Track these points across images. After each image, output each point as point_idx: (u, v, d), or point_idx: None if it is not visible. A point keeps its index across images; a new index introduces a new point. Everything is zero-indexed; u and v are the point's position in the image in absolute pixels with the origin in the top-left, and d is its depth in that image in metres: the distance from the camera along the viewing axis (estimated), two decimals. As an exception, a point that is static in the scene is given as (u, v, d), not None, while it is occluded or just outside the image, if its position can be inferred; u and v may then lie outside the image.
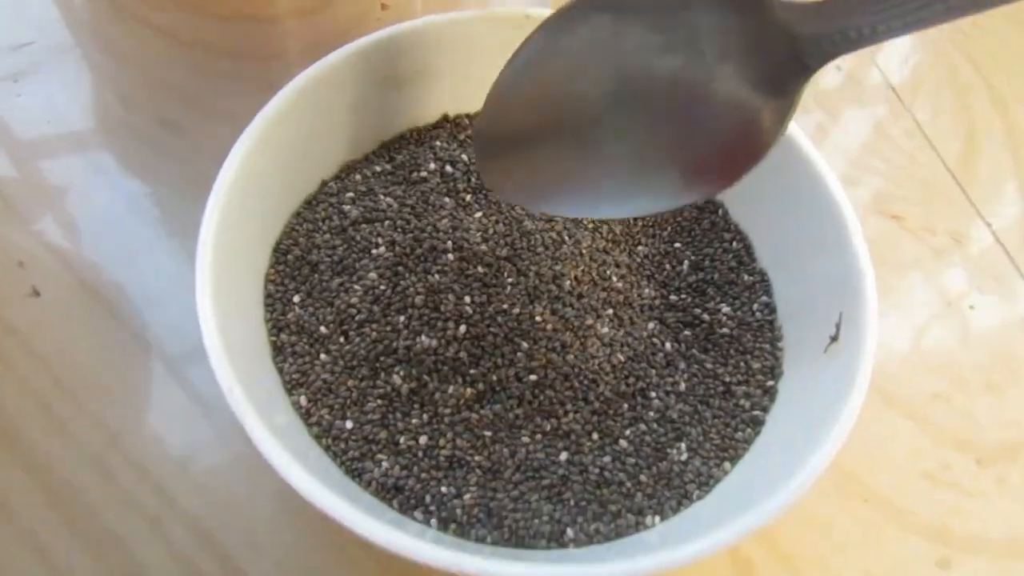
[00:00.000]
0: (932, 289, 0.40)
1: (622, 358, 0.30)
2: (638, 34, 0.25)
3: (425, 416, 0.28)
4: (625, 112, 0.26)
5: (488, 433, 0.28)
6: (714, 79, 0.25)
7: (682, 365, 0.30)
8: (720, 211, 0.35)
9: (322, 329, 0.29)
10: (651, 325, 0.31)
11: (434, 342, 0.28)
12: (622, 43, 0.25)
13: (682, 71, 0.25)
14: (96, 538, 0.29)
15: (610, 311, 0.30)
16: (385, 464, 0.27)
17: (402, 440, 0.27)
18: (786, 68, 0.23)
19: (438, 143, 0.34)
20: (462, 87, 0.35)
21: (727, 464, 0.28)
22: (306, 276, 0.30)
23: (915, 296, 0.40)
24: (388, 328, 0.29)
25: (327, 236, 0.31)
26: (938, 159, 0.45)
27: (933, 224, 0.42)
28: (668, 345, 0.31)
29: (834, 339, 0.28)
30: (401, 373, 0.28)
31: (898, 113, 0.47)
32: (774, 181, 0.32)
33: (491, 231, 0.31)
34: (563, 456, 0.28)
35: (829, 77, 0.48)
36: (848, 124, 0.47)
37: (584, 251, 0.31)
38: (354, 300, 0.29)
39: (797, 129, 0.31)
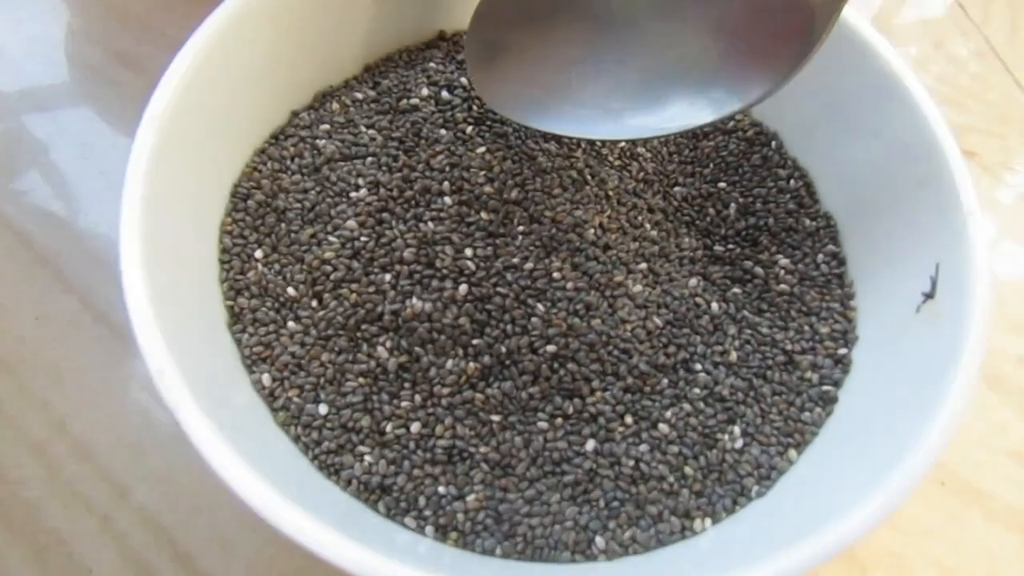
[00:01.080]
0: (1012, 237, 0.35)
1: (659, 322, 0.24)
2: None
3: (418, 398, 0.23)
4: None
5: (496, 418, 0.23)
6: None
7: (732, 330, 0.25)
8: (773, 143, 0.29)
9: (290, 291, 0.24)
10: (693, 281, 0.26)
11: (428, 305, 0.23)
12: None
13: None
14: (36, 538, 0.26)
15: (643, 265, 0.25)
16: (368, 458, 0.22)
17: (389, 428, 0.22)
18: None
19: (432, 65, 0.28)
20: (459, -2, 0.29)
21: (792, 452, 0.23)
22: (271, 226, 0.25)
23: (994, 245, 0.35)
24: (371, 289, 0.23)
25: (296, 177, 0.26)
26: (1015, 83, 0.39)
27: (1011, 160, 0.38)
28: (714, 306, 0.25)
29: (929, 296, 0.22)
30: (388, 344, 0.23)
31: (966, 31, 0.41)
32: (842, 101, 0.26)
33: (497, 169, 0.26)
34: (590, 445, 0.23)
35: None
36: (907, 44, 0.41)
37: (611, 192, 0.26)
38: (329, 255, 0.24)
39: (873, 32, 0.26)
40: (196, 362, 0.20)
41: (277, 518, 0.17)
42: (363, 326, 0.23)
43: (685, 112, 0.23)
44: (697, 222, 0.27)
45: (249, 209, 0.25)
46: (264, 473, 0.18)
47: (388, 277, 0.24)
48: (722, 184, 0.28)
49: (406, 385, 0.23)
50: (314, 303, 0.24)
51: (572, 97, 0.24)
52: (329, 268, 0.24)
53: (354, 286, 0.24)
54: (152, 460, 0.28)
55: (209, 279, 0.24)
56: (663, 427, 0.23)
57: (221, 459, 0.17)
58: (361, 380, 0.23)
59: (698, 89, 0.23)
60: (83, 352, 0.30)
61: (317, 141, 0.26)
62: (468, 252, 0.24)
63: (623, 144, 0.28)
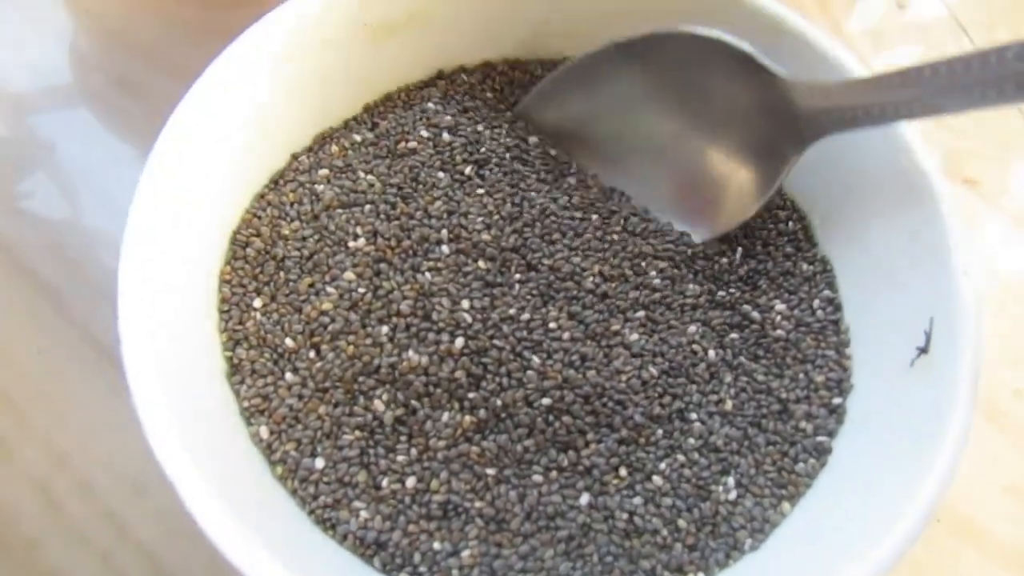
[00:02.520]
0: (1013, 266, 0.35)
1: (655, 372, 0.24)
2: (656, 87, 0.28)
3: (414, 451, 0.23)
4: (637, 148, 0.29)
5: (491, 472, 0.23)
6: (716, 139, 0.28)
7: (728, 378, 0.25)
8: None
9: (288, 342, 0.24)
10: (692, 328, 0.26)
11: (424, 359, 0.23)
12: (640, 91, 0.28)
13: (688, 126, 0.28)
14: (39, 574, 0.26)
15: (641, 313, 0.25)
16: (364, 514, 0.22)
17: (385, 483, 0.22)
18: (783, 138, 0.26)
19: (430, 105, 0.28)
20: (458, 36, 0.29)
21: (786, 504, 0.23)
22: (270, 274, 0.25)
23: (993, 275, 0.35)
24: (368, 341, 0.23)
25: (295, 224, 0.26)
26: (1016, 108, 0.39)
27: (1013, 187, 0.37)
28: (711, 353, 0.25)
29: (923, 351, 0.22)
30: (384, 397, 0.23)
31: (965, 50, 0.41)
32: (842, 145, 0.26)
33: (496, 215, 0.26)
34: (584, 499, 0.23)
35: (887, 13, 0.42)
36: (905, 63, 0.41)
37: (615, 236, 0.26)
38: (327, 306, 0.24)
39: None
40: (193, 414, 0.20)
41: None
42: (360, 379, 0.23)
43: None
44: (706, 269, 0.27)
45: (248, 257, 0.25)
46: (258, 528, 0.18)
47: (385, 329, 0.24)
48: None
49: (402, 439, 0.23)
50: (312, 354, 0.24)
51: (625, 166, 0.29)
52: (327, 319, 0.24)
53: (351, 338, 0.24)
54: (152, 498, 0.27)
55: (208, 328, 0.24)
56: (657, 479, 0.23)
57: (218, 528, 0.18)
58: (357, 434, 0.23)
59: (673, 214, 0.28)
60: (84, 386, 0.29)
61: (316, 186, 0.26)
62: (465, 304, 0.24)
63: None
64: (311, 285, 0.25)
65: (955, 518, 0.29)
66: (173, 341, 0.21)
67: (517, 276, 0.25)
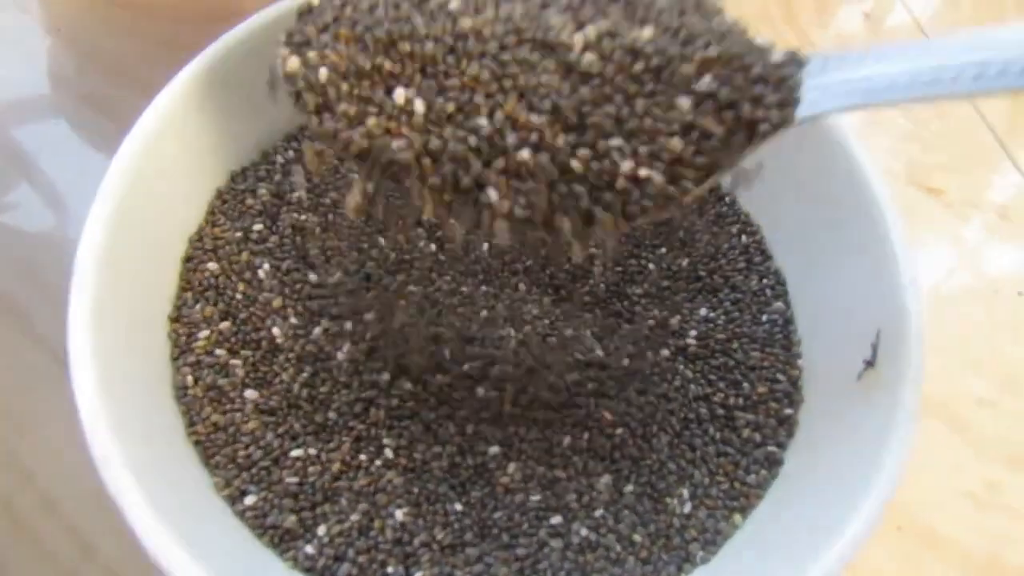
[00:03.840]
0: (976, 274, 0.35)
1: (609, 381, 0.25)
2: None
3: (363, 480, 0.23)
4: None
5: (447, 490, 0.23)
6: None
7: (681, 388, 0.25)
8: (727, 198, 0.29)
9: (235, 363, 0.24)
10: (665, 352, 0.26)
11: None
12: None
13: None
14: None
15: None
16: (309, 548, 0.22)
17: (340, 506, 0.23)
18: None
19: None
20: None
21: (737, 516, 0.23)
22: (217, 299, 0.25)
23: (956, 282, 0.35)
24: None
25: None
26: (982, 121, 0.39)
27: (977, 198, 0.37)
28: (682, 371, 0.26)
29: (870, 364, 0.23)
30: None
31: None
32: (794, 163, 0.27)
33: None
34: (555, 519, 0.23)
35: (850, 22, 0.43)
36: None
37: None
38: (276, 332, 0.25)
39: None
40: (144, 438, 0.20)
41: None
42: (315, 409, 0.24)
43: None
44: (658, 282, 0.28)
45: (197, 282, 0.25)
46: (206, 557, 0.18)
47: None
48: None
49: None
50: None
51: None
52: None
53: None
54: (117, 513, 0.27)
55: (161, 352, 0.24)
56: (615, 498, 0.23)
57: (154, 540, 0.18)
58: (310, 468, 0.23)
59: None
60: (50, 403, 0.29)
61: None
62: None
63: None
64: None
65: (918, 526, 0.29)
66: (120, 361, 0.21)
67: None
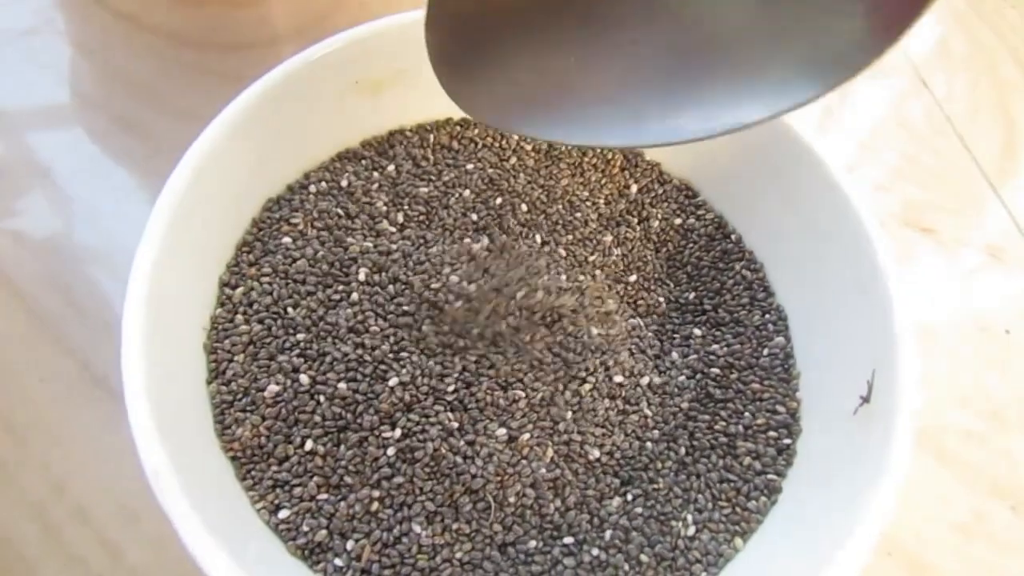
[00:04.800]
0: (964, 311, 0.36)
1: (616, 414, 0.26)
2: None
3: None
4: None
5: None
6: None
7: (691, 425, 0.27)
8: (733, 236, 0.31)
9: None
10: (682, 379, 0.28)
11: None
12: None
13: None
14: None
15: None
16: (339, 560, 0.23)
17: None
18: None
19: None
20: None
21: (739, 540, 0.25)
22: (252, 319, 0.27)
23: (946, 318, 0.36)
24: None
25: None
26: (973, 162, 0.41)
27: (967, 236, 0.39)
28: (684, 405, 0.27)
29: (865, 400, 0.24)
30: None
31: (929, 109, 0.43)
32: (797, 202, 0.28)
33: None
34: (558, 547, 0.24)
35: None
36: (872, 123, 0.43)
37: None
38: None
39: (821, 149, 0.27)
40: (189, 454, 0.22)
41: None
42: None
43: (723, 108, 0.18)
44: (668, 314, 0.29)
45: (233, 301, 0.27)
46: (247, 565, 0.20)
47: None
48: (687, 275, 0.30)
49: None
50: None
51: (573, 91, 0.19)
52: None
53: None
54: (146, 524, 0.28)
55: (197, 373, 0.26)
56: (624, 520, 0.25)
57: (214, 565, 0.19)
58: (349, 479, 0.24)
59: (742, 77, 0.18)
60: (83, 415, 0.30)
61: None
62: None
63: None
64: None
65: (906, 554, 0.30)
66: (175, 389, 0.23)
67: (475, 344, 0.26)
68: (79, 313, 0.32)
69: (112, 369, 0.31)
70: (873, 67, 0.17)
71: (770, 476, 0.26)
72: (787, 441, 0.26)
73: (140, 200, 0.36)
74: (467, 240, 0.28)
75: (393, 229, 0.28)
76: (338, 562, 0.23)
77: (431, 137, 0.31)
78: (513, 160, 0.31)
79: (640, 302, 0.29)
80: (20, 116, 0.38)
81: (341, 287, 0.26)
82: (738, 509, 0.25)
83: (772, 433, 0.26)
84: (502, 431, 0.25)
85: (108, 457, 0.30)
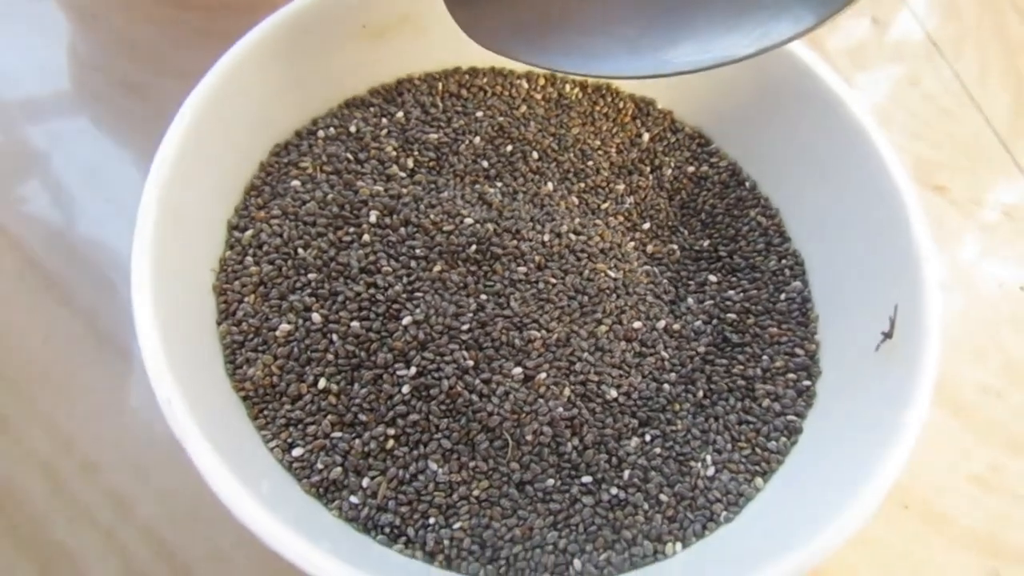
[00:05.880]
0: (981, 269, 0.36)
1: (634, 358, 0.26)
2: None
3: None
4: None
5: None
6: None
7: (708, 368, 0.27)
8: (747, 183, 0.30)
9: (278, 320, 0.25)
10: (698, 323, 0.27)
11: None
12: None
13: None
14: (42, 552, 0.27)
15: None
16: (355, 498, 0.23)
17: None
18: None
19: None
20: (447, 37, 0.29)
21: (759, 479, 0.24)
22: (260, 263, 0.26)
23: (961, 277, 0.36)
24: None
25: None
26: (984, 120, 0.41)
27: (980, 195, 0.38)
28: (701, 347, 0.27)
29: (888, 336, 0.24)
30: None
31: (939, 68, 0.43)
32: (813, 145, 0.28)
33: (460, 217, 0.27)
34: (577, 485, 0.24)
35: (859, 28, 0.44)
36: (883, 81, 0.43)
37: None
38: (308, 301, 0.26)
39: (841, 83, 0.27)
40: (202, 391, 0.21)
41: (281, 545, 0.18)
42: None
43: (715, 42, 0.19)
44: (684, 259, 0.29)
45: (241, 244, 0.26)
46: (267, 500, 0.19)
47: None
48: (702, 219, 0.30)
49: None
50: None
51: (575, 21, 0.20)
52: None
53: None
54: (154, 477, 0.28)
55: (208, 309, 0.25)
56: (643, 460, 0.24)
57: (230, 491, 0.19)
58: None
59: (733, 10, 0.19)
60: (89, 372, 0.30)
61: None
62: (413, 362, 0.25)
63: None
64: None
65: (923, 506, 0.30)
66: (181, 321, 0.22)
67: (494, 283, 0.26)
68: (84, 272, 0.32)
69: (118, 327, 0.31)
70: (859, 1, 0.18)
71: (790, 417, 0.25)
72: (807, 383, 0.26)
73: (142, 160, 0.35)
74: (479, 185, 0.28)
75: (403, 174, 0.28)
76: (354, 499, 0.23)
77: (439, 85, 0.30)
78: (523, 108, 0.30)
79: (654, 249, 0.29)
80: (23, 81, 0.37)
81: (352, 229, 0.26)
82: (758, 450, 0.25)
83: (791, 375, 0.26)
84: (518, 370, 0.24)
85: (115, 413, 0.30)
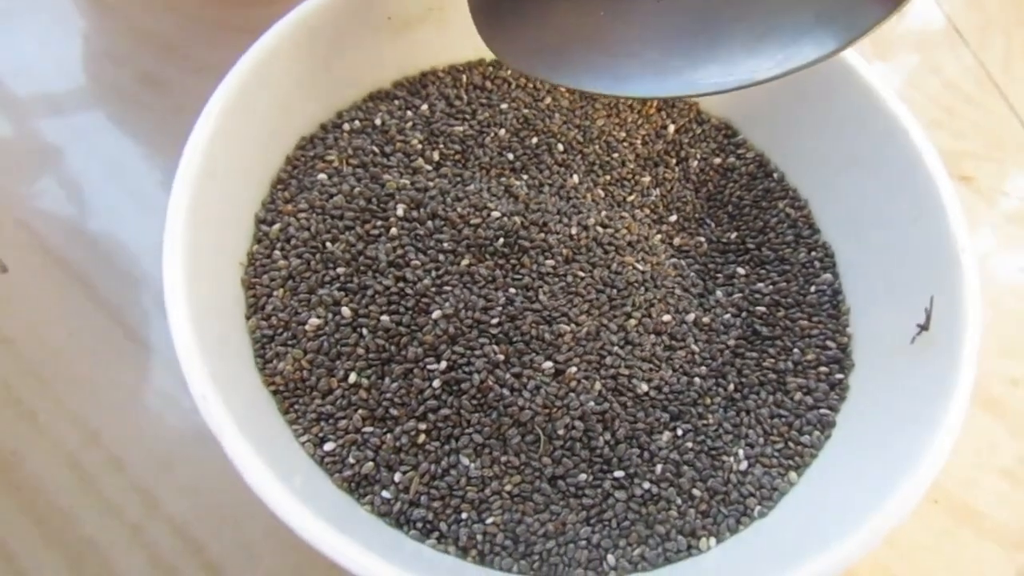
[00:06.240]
0: (1008, 260, 0.36)
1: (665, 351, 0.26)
2: None
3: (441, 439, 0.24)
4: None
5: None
6: None
7: (738, 362, 0.26)
8: (775, 175, 0.30)
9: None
10: (728, 316, 0.27)
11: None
12: None
13: None
14: (71, 546, 0.27)
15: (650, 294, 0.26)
16: (387, 493, 0.23)
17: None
18: None
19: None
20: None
21: (792, 474, 0.24)
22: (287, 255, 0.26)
23: (988, 268, 0.36)
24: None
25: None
26: (1009, 109, 0.40)
27: (1005, 185, 0.38)
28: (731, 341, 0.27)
29: (924, 328, 0.23)
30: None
31: (962, 57, 0.42)
32: (844, 137, 0.27)
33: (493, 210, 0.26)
34: (609, 480, 0.24)
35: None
36: (905, 71, 0.42)
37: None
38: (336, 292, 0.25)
39: (874, 73, 0.27)
40: (235, 387, 0.21)
41: (317, 540, 0.18)
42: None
43: (744, 62, 0.19)
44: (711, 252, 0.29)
45: (270, 237, 0.26)
46: (300, 494, 0.19)
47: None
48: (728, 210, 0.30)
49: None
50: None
51: (602, 43, 0.20)
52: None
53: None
54: (181, 472, 0.28)
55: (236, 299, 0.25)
56: (675, 455, 0.24)
57: (267, 486, 0.19)
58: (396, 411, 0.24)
59: (757, 35, 0.19)
60: (115, 366, 0.30)
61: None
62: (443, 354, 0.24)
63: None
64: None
65: (953, 500, 0.30)
66: (212, 318, 0.22)
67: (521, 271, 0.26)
68: (105, 266, 0.32)
69: (142, 321, 0.31)
70: (884, 24, 0.19)
71: (823, 411, 0.25)
72: (839, 376, 0.26)
73: (160, 154, 0.35)
74: (504, 178, 0.28)
75: (429, 167, 0.28)
76: (385, 494, 0.22)
77: (464, 77, 0.30)
78: (548, 100, 0.30)
79: (681, 242, 0.29)
80: (40, 75, 0.37)
81: (379, 222, 0.26)
82: (791, 444, 0.25)
83: (823, 368, 0.26)
84: (548, 364, 0.24)
85: (141, 407, 0.30)
